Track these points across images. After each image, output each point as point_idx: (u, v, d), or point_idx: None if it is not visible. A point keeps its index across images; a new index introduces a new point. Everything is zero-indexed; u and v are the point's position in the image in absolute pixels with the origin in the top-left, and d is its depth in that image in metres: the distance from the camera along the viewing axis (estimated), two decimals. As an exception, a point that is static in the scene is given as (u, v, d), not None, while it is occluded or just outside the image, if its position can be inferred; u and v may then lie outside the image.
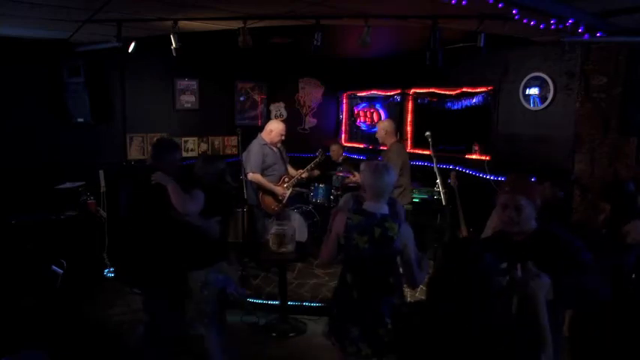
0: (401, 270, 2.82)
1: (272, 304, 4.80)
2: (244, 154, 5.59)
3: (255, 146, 5.59)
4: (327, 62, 7.31)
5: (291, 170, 5.91)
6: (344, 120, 8.16)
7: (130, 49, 4.85)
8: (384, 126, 5.42)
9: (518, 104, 5.41)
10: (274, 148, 5.66)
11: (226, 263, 3.59)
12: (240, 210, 5.36)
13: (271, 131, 5.62)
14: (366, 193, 2.84)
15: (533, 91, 5.24)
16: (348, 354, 2.81)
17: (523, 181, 2.40)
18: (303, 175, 5.86)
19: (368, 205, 2.79)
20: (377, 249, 2.68)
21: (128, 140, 6.19)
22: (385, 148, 5.40)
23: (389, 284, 2.77)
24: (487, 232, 3.27)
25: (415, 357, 2.06)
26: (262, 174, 5.52)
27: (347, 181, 6.26)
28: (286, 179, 5.72)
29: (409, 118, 6.95)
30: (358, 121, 7.87)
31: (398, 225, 2.69)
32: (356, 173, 5.66)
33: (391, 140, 5.35)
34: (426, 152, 5.36)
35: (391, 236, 2.65)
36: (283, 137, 5.69)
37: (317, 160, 5.96)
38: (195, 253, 3.34)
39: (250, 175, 5.48)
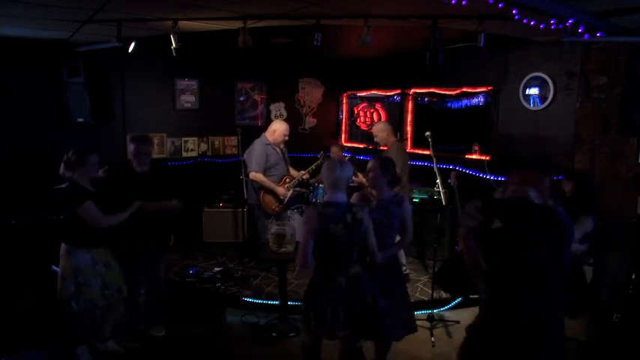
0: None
1: (272, 304, 4.81)
2: (246, 154, 5.58)
3: (258, 145, 5.57)
4: (327, 62, 7.31)
5: (293, 171, 5.91)
6: (344, 120, 8.16)
7: (130, 49, 4.86)
8: (381, 128, 5.48)
9: (518, 104, 5.41)
10: (277, 149, 5.65)
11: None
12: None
13: (275, 131, 5.61)
14: (324, 185, 3.18)
15: (533, 91, 5.24)
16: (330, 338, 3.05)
17: (532, 174, 2.41)
18: (305, 177, 5.86)
19: (331, 197, 3.07)
20: (350, 232, 2.97)
21: (128, 140, 6.17)
22: (386, 148, 5.42)
23: (364, 263, 3.08)
24: None
25: None
26: (264, 174, 5.52)
27: (349, 181, 6.22)
28: (288, 180, 5.71)
29: (409, 118, 6.95)
30: (358, 121, 7.87)
31: (361, 210, 3.04)
32: (359, 174, 5.65)
33: (391, 140, 5.42)
34: (426, 152, 5.36)
35: (360, 218, 2.97)
36: (287, 137, 5.67)
37: (319, 162, 5.95)
38: None
39: (252, 174, 5.47)
